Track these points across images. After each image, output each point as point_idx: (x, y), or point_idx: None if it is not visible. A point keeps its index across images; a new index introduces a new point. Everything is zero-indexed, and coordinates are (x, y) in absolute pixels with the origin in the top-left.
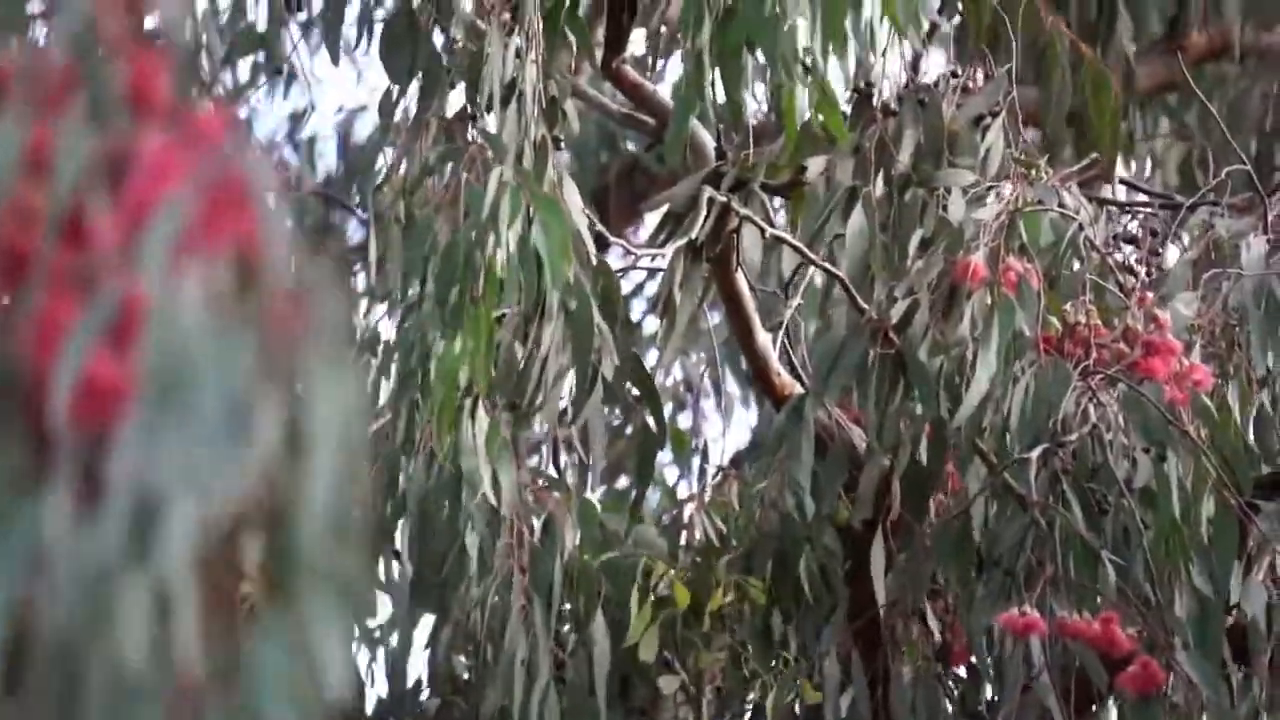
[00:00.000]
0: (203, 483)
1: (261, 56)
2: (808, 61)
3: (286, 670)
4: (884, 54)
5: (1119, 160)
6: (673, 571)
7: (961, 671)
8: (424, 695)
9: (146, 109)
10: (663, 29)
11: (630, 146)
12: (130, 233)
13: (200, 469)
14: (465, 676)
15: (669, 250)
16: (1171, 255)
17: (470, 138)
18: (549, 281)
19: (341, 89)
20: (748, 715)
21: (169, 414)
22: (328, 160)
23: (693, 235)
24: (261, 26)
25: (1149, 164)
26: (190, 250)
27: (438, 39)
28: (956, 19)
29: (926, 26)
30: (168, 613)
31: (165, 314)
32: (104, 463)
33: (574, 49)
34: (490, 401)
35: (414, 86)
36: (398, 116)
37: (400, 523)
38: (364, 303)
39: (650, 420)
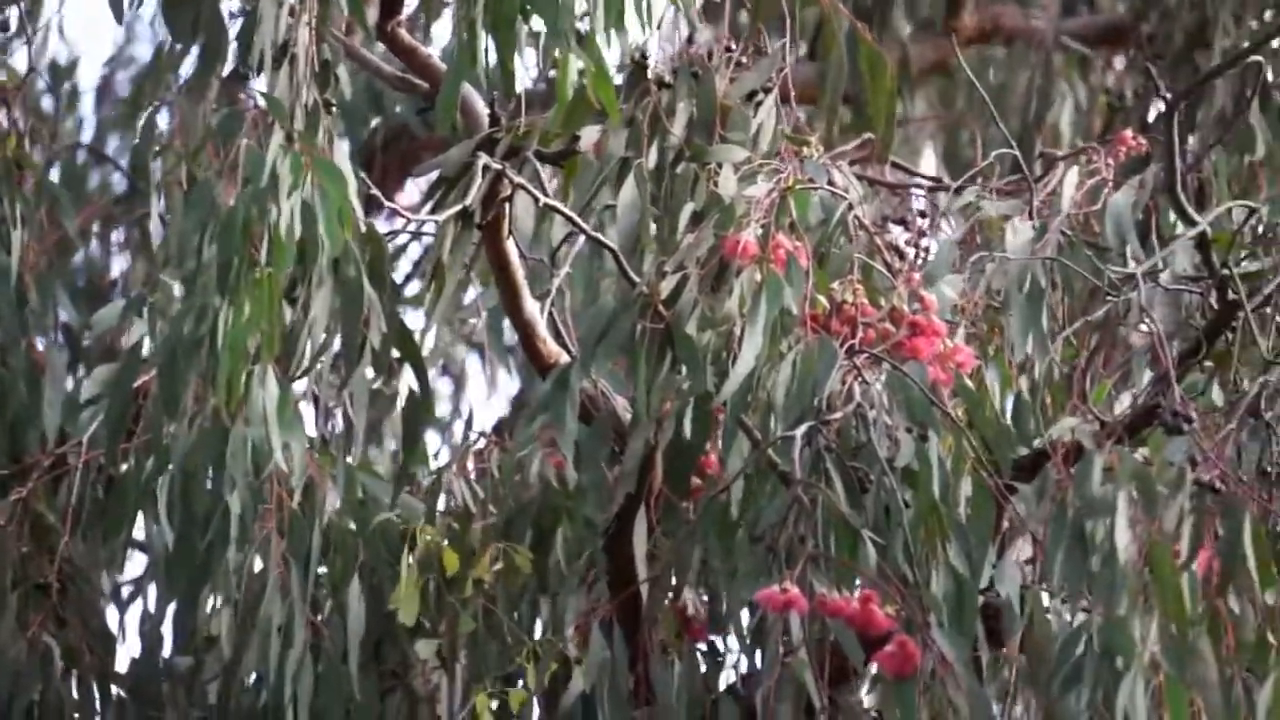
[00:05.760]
0: None
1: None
2: (585, 35)
3: None
4: (659, 26)
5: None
6: (440, 537)
7: (712, 646)
8: (177, 655)
9: None
10: None
11: (399, 110)
12: None
13: None
14: (218, 636)
15: (442, 216)
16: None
17: (249, 100)
18: (324, 248)
19: (107, 40)
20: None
21: None
22: (87, 112)
23: (467, 202)
24: None
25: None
26: None
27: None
28: None
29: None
30: None
31: None
32: None
33: (344, 10)
34: (280, 368)
35: (196, 47)
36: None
37: (161, 481)
38: (132, 261)
39: (415, 386)
